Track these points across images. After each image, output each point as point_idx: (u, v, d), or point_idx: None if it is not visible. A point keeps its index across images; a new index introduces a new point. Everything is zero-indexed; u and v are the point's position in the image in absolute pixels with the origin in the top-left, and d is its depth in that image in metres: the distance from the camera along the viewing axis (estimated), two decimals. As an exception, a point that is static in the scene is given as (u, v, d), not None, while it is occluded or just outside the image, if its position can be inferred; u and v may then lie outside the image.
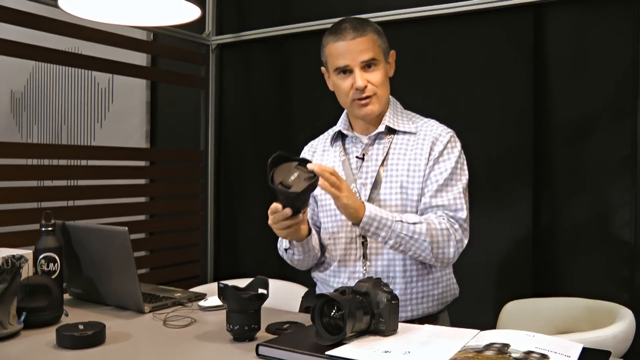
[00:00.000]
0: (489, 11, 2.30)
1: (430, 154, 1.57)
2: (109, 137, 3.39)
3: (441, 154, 1.57)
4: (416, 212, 1.56)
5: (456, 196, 1.54)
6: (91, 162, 2.70)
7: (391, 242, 1.46)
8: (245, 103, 3.02)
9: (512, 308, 2.05)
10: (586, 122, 2.15)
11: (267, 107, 2.94)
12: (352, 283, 1.56)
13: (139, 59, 3.13)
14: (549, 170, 2.22)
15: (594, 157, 2.14)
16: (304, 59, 2.79)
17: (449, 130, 1.62)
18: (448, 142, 1.58)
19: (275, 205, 1.40)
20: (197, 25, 2.92)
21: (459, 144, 1.61)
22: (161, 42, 3.17)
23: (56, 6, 1.76)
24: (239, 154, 3.06)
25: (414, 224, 1.46)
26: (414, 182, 1.56)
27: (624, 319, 1.72)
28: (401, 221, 1.45)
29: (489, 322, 2.10)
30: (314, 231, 1.64)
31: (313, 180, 1.35)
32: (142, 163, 3.02)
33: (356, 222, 1.43)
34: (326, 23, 2.63)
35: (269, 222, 1.46)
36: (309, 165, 1.34)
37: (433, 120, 1.66)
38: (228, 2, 3.07)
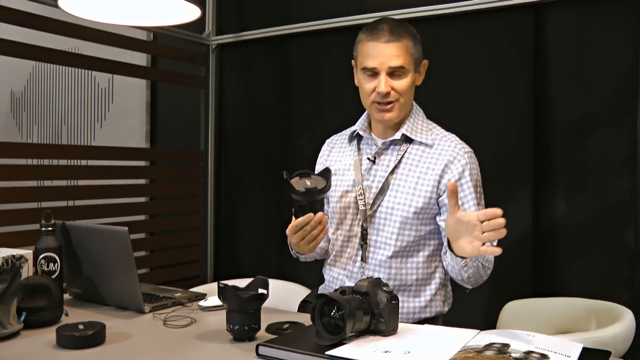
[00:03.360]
0: (489, 11, 2.30)
1: (442, 174, 1.54)
2: (109, 137, 3.39)
3: (459, 179, 1.54)
4: (416, 222, 1.55)
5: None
6: (91, 162, 2.69)
7: (470, 271, 1.44)
8: (245, 103, 3.02)
9: (512, 308, 2.05)
10: (586, 122, 2.15)
11: (267, 107, 2.94)
12: (345, 279, 1.61)
13: (139, 59, 3.13)
14: (549, 170, 2.22)
15: (594, 157, 2.14)
16: (304, 59, 2.79)
17: (467, 149, 1.58)
18: (464, 167, 1.54)
19: (307, 216, 1.44)
20: (197, 25, 2.92)
21: (475, 165, 1.58)
22: (161, 42, 3.17)
23: (56, 6, 1.76)
24: (239, 154, 3.06)
25: None
26: (420, 194, 1.54)
27: (624, 319, 1.71)
28: None
29: (489, 322, 2.10)
30: None
31: (328, 174, 1.47)
32: (142, 163, 3.02)
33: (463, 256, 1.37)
34: (326, 23, 2.64)
35: (294, 240, 1.49)
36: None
37: (452, 136, 1.62)
38: (228, 2, 3.07)
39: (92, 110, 3.49)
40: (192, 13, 1.82)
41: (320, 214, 1.45)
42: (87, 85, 3.51)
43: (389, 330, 1.19)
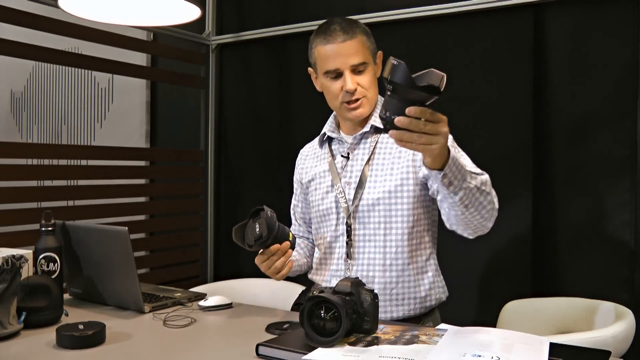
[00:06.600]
0: (489, 11, 2.30)
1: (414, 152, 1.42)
2: (109, 137, 3.39)
3: None
4: (403, 211, 1.52)
5: (472, 162, 1.46)
6: (91, 162, 2.69)
7: (460, 193, 1.27)
8: (245, 103, 3.02)
9: (512, 308, 2.05)
10: (586, 122, 2.15)
11: (267, 107, 2.94)
12: (333, 281, 1.59)
13: (139, 59, 3.13)
14: (549, 170, 2.22)
15: (594, 157, 2.14)
16: (304, 59, 2.77)
17: None
18: None
19: (274, 247, 1.41)
20: (197, 25, 2.92)
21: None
22: (161, 42, 3.17)
23: (56, 6, 1.76)
24: (239, 154, 3.06)
25: (478, 174, 1.34)
26: (397, 179, 1.53)
27: (624, 319, 1.71)
28: (471, 172, 1.30)
29: (489, 322, 2.10)
30: (295, 253, 1.66)
31: (268, 217, 1.39)
32: (142, 163, 3.02)
33: (436, 168, 1.23)
34: (326, 23, 2.63)
35: (263, 269, 1.47)
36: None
37: None
38: (228, 2, 3.07)
39: (92, 110, 3.49)
40: (192, 13, 1.83)
41: (285, 244, 1.42)
42: (87, 85, 3.51)
43: (373, 328, 1.20)
